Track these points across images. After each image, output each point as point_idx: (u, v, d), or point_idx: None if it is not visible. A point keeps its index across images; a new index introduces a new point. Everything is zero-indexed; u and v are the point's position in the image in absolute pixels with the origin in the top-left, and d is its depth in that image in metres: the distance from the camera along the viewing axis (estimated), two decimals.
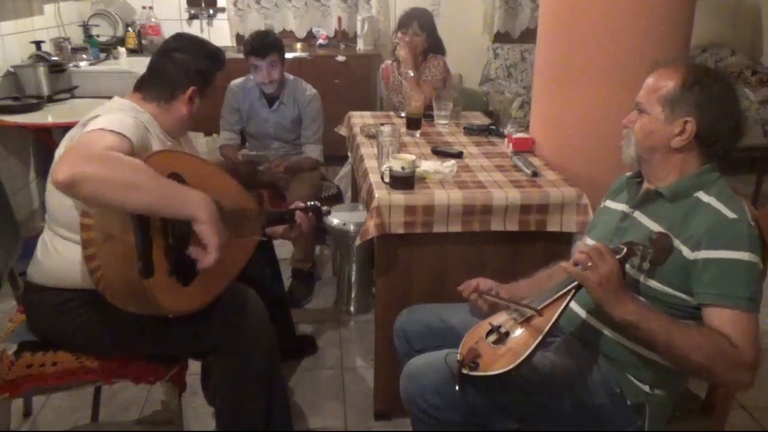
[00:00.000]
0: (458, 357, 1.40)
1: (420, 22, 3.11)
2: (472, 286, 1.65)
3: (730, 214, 1.31)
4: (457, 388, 1.37)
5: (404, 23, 3.15)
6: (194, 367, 1.87)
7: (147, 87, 1.72)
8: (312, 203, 2.02)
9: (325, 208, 2.07)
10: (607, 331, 1.46)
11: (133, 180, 1.35)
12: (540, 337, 1.33)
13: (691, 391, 1.63)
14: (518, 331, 1.39)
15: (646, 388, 1.43)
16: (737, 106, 1.40)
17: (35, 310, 1.67)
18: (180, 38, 1.81)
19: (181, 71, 1.72)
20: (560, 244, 2.03)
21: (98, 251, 1.40)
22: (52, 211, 1.62)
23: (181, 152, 1.72)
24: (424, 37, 3.12)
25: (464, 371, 1.36)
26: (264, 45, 2.88)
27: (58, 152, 1.58)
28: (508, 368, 1.31)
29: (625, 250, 1.31)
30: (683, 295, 1.34)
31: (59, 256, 1.60)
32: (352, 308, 2.89)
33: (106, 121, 1.48)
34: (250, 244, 1.75)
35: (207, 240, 1.44)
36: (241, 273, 1.74)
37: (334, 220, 2.79)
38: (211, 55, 1.79)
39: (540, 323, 1.36)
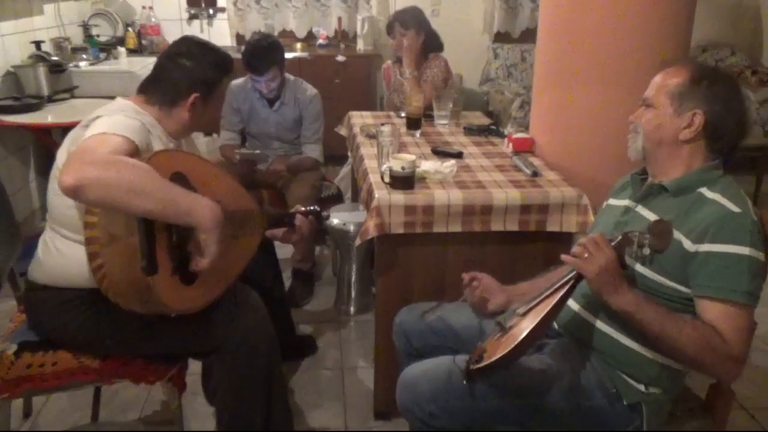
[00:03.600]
0: (468, 357, 1.42)
1: (401, 23, 3.12)
2: (467, 277, 1.68)
3: (735, 209, 1.32)
4: (464, 381, 1.39)
5: (389, 30, 3.18)
6: (194, 367, 1.88)
7: (150, 90, 1.71)
8: (312, 207, 2.02)
9: (324, 213, 2.07)
10: (600, 326, 1.47)
11: (139, 185, 1.35)
12: (539, 319, 1.34)
13: (690, 390, 1.63)
14: (520, 321, 1.41)
15: (642, 387, 1.43)
16: (742, 102, 1.42)
17: (36, 309, 1.67)
18: (188, 43, 1.78)
19: (186, 78, 1.70)
20: (560, 244, 2.03)
21: (102, 249, 1.41)
22: (54, 211, 1.62)
23: (183, 152, 1.72)
24: (413, 33, 3.12)
25: (472, 367, 1.38)
26: (261, 63, 2.86)
27: (60, 153, 1.58)
28: (507, 350, 1.32)
29: (620, 237, 1.32)
30: (679, 286, 1.35)
31: (60, 255, 1.60)
32: (352, 308, 2.89)
33: (109, 124, 1.47)
34: (251, 245, 1.75)
35: (206, 248, 1.46)
36: (242, 273, 1.74)
37: (334, 220, 2.79)
38: (218, 63, 1.76)
39: (540, 308, 1.38)
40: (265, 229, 1.84)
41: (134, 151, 1.45)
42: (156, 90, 1.70)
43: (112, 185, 1.33)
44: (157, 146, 1.61)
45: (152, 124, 1.65)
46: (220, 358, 1.68)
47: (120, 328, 1.59)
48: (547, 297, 1.40)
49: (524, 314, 1.42)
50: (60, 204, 1.57)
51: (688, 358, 1.31)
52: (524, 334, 1.33)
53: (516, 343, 1.32)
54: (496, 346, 1.39)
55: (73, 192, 1.32)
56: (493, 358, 1.34)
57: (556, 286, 1.39)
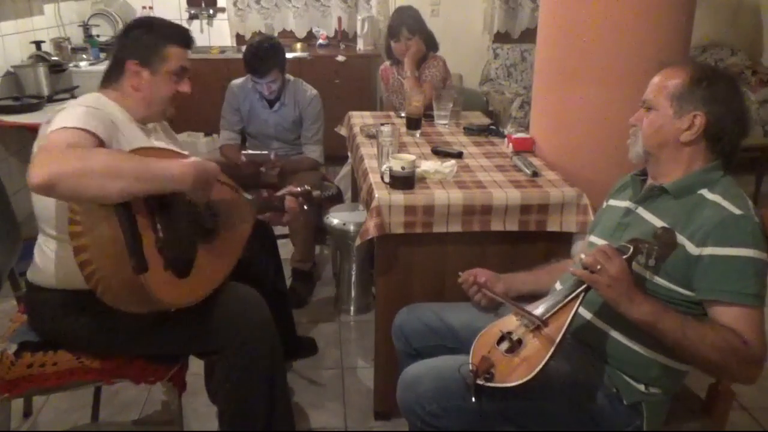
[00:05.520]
0: (471, 367, 1.38)
1: (408, 27, 3.12)
2: (470, 280, 1.66)
3: (736, 211, 1.32)
4: (473, 399, 1.34)
5: (394, 32, 3.16)
6: (194, 367, 1.88)
7: (105, 76, 1.71)
8: (303, 187, 2.02)
9: (316, 192, 2.07)
10: (600, 326, 1.46)
11: (108, 167, 1.34)
12: (554, 347, 1.31)
13: (690, 391, 1.63)
14: (531, 340, 1.38)
15: (642, 387, 1.43)
16: (742, 102, 1.41)
17: (37, 310, 1.67)
18: (130, 21, 1.80)
19: (120, 48, 1.70)
20: (560, 244, 2.03)
21: (91, 256, 1.39)
22: (40, 213, 1.60)
23: (157, 149, 1.65)
24: (418, 38, 3.13)
25: (479, 382, 1.34)
26: (263, 65, 2.87)
27: (34, 152, 1.55)
28: (525, 379, 1.29)
29: (631, 249, 1.31)
30: (684, 290, 1.35)
31: (57, 258, 1.59)
32: (352, 308, 2.89)
33: (68, 118, 1.45)
34: (243, 233, 1.74)
35: (198, 201, 1.49)
36: (244, 270, 1.72)
37: (334, 220, 2.79)
38: (153, 28, 1.72)
39: (553, 330, 1.35)
40: (254, 215, 1.83)
41: (97, 143, 1.44)
42: (107, 71, 1.71)
43: (82, 174, 1.31)
44: (126, 134, 1.59)
45: (117, 112, 1.63)
46: (223, 357, 1.67)
47: (121, 328, 1.59)
48: (558, 313, 1.37)
49: (533, 330, 1.39)
50: (44, 205, 1.56)
51: (712, 363, 1.29)
52: (543, 362, 1.30)
53: (535, 372, 1.29)
54: (507, 365, 1.35)
55: (45, 189, 1.30)
56: (509, 384, 1.31)
57: (565, 301, 1.37)
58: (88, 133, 1.44)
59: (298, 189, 2.03)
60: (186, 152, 1.84)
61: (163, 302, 1.46)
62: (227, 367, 1.68)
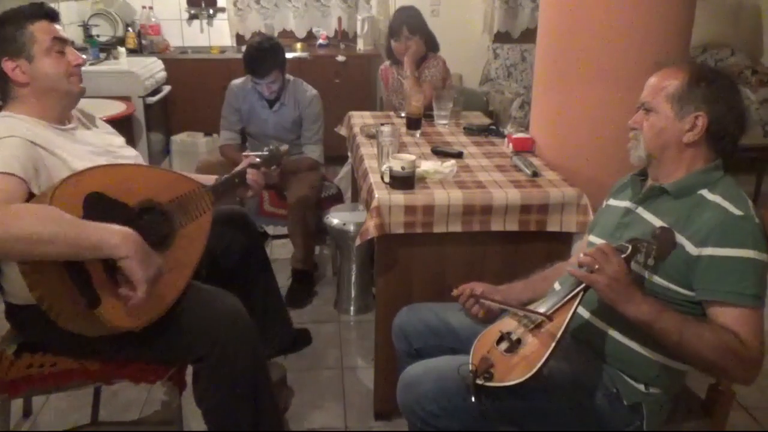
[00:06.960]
0: (471, 367, 1.38)
1: (408, 26, 3.12)
2: (466, 293, 1.65)
3: (737, 211, 1.32)
4: (473, 399, 1.33)
5: (394, 31, 3.16)
6: None
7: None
8: (264, 151, 1.98)
9: (283, 146, 2.02)
10: (600, 326, 1.46)
11: (36, 234, 1.27)
12: (553, 345, 1.31)
13: (691, 390, 1.63)
14: (530, 339, 1.38)
15: (642, 387, 1.43)
16: (741, 100, 1.41)
17: (23, 328, 1.66)
18: None
19: None
20: (560, 244, 2.03)
21: (43, 293, 1.37)
22: None
23: (92, 168, 1.53)
24: (418, 38, 3.13)
25: (479, 382, 1.34)
26: (263, 66, 2.87)
27: None
28: (524, 378, 1.29)
29: (630, 248, 1.31)
30: (683, 290, 1.35)
31: (14, 273, 1.51)
32: (352, 308, 2.89)
33: None
34: (204, 225, 1.71)
35: (132, 276, 1.37)
36: (229, 274, 1.67)
37: (334, 220, 2.79)
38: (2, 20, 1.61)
39: (552, 329, 1.35)
40: (214, 203, 1.77)
41: (19, 184, 1.39)
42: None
43: (8, 240, 1.26)
44: (48, 145, 1.52)
45: (29, 127, 1.55)
46: (204, 367, 1.65)
47: (99, 338, 1.54)
48: (558, 312, 1.37)
49: (532, 329, 1.39)
50: None
51: (710, 363, 1.29)
52: (542, 360, 1.29)
53: (534, 370, 1.29)
54: (506, 364, 1.35)
55: None
56: (507, 383, 1.31)
57: (563, 301, 1.37)
58: (10, 177, 1.37)
59: (258, 159, 1.96)
60: (128, 145, 1.73)
61: (126, 328, 1.43)
62: (209, 377, 1.66)
